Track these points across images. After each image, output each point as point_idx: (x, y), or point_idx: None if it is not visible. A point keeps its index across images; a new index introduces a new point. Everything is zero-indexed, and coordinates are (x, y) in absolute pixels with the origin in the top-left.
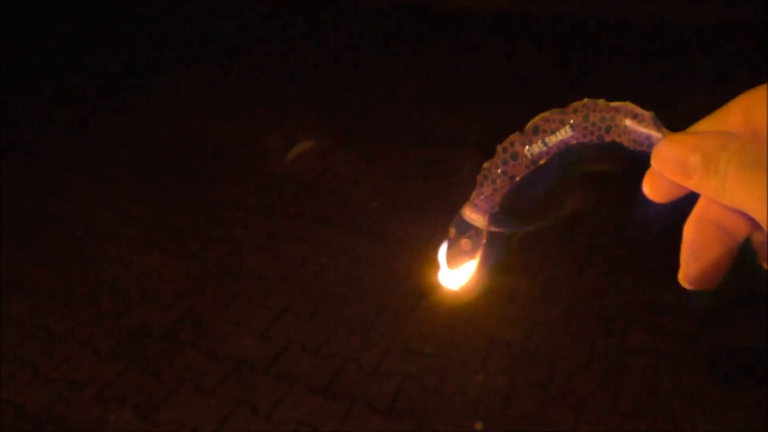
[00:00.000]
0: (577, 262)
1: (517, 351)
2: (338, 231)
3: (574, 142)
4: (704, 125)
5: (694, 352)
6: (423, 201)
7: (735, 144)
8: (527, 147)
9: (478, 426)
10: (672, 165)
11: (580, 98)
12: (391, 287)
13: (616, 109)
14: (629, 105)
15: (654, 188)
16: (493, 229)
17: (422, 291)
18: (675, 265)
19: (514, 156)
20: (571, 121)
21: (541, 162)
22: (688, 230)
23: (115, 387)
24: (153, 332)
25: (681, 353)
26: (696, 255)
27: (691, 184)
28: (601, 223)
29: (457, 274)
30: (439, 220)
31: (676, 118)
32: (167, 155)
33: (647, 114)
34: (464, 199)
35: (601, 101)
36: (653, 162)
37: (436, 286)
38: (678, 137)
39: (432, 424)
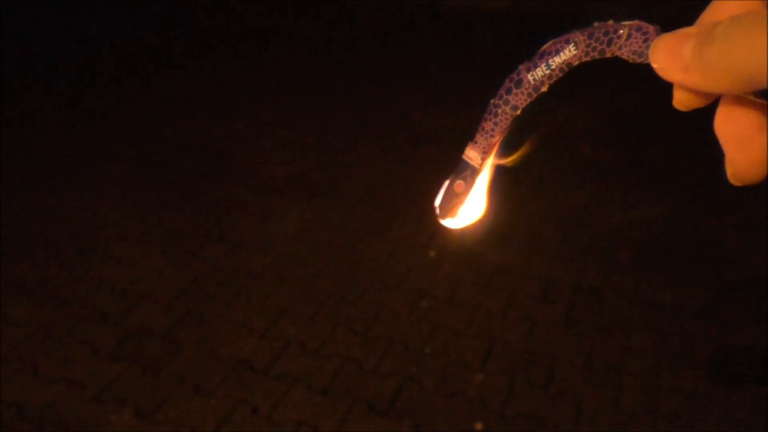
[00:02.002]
0: (576, 262)
1: (517, 351)
2: (338, 231)
3: (576, 61)
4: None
5: (694, 352)
6: (423, 201)
7: (726, 19)
8: (531, 73)
9: (478, 426)
10: (666, 55)
11: (580, 97)
12: (391, 287)
13: (621, 24)
14: (636, 21)
15: (678, 96)
16: (494, 164)
17: (422, 291)
18: (675, 266)
19: (519, 84)
20: (577, 39)
21: (544, 89)
22: (722, 126)
23: (115, 387)
24: (153, 332)
25: (681, 353)
26: (741, 146)
27: (690, 78)
28: (601, 223)
29: (452, 218)
30: (438, 221)
31: (677, 118)
32: (167, 155)
33: (651, 27)
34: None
35: (610, 21)
36: (652, 63)
37: (441, 229)
38: (671, 32)
39: (432, 424)
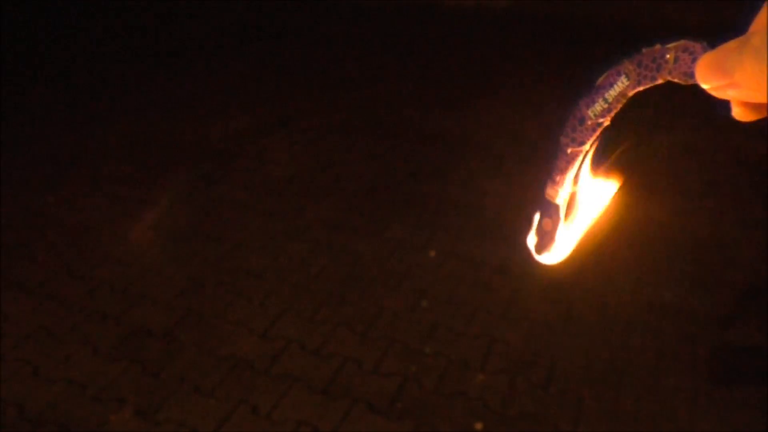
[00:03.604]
0: (577, 262)
1: (517, 351)
2: (338, 231)
3: (631, 91)
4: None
5: (694, 352)
6: (423, 201)
7: (763, 29)
8: (591, 109)
9: (478, 426)
10: (711, 73)
11: (581, 98)
12: (391, 287)
13: (667, 48)
14: (682, 41)
15: (735, 110)
16: (575, 200)
17: (422, 291)
18: (675, 266)
19: (581, 121)
20: (626, 71)
21: (606, 122)
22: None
23: (115, 387)
24: (153, 332)
25: (681, 353)
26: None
27: (733, 87)
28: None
29: (547, 254)
30: (439, 221)
31: (678, 116)
32: (167, 155)
33: (698, 45)
34: (463, 199)
35: (657, 45)
36: (696, 78)
37: (539, 264)
38: (713, 50)
39: (432, 424)
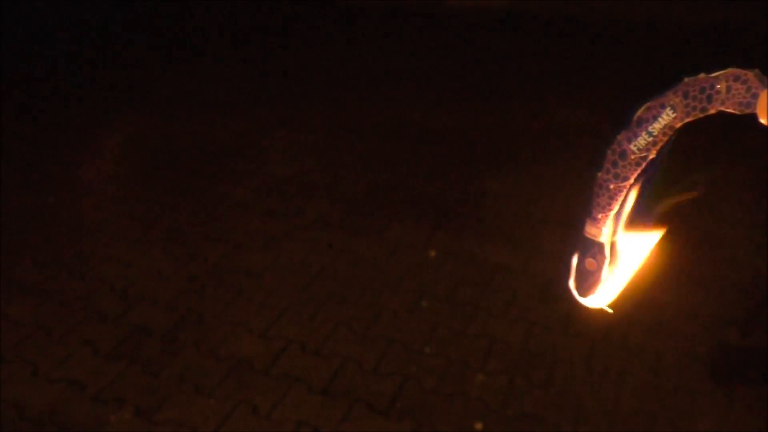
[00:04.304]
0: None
1: (517, 351)
2: (338, 231)
3: (678, 124)
4: None
5: (694, 352)
6: (423, 201)
7: None
8: (633, 142)
9: (478, 426)
10: None
11: (580, 97)
12: (391, 287)
13: (716, 78)
14: (730, 70)
15: None
16: (619, 238)
17: (422, 291)
18: (675, 266)
19: (623, 155)
20: (671, 103)
21: (651, 155)
22: None
23: (115, 387)
24: (153, 332)
25: (681, 353)
26: None
27: None
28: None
29: (593, 297)
30: (439, 221)
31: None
32: (168, 155)
33: (750, 73)
34: (463, 199)
35: (701, 75)
36: (760, 117)
37: (584, 308)
38: None
39: (432, 424)
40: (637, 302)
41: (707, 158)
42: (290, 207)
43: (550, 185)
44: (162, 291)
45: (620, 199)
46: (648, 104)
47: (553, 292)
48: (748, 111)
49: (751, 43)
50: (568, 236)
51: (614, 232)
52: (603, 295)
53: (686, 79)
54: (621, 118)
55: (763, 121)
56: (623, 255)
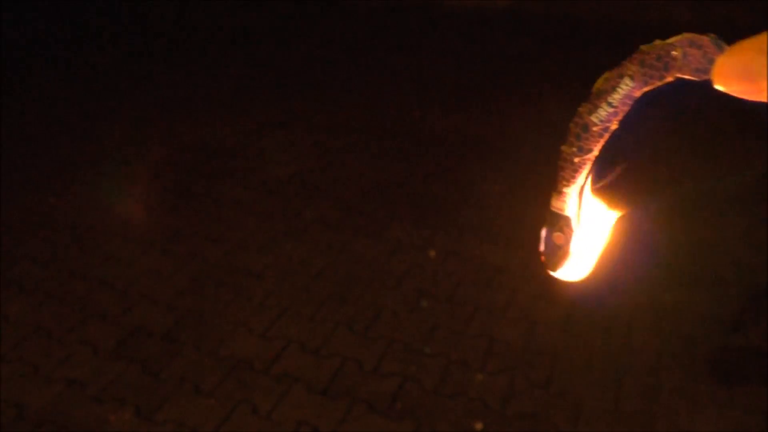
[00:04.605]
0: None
1: (517, 351)
2: (338, 231)
3: (638, 92)
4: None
5: (694, 352)
6: (423, 201)
7: None
8: (594, 114)
9: (478, 426)
10: (736, 79)
11: (580, 97)
12: (391, 287)
13: (672, 45)
14: (686, 35)
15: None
16: (586, 212)
17: (422, 291)
18: (675, 265)
19: (585, 128)
20: (629, 72)
21: (613, 126)
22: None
23: (115, 387)
24: (153, 332)
25: (681, 353)
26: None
27: (765, 95)
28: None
29: (563, 270)
30: (439, 221)
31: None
32: (167, 155)
33: (705, 38)
34: (463, 199)
35: (657, 42)
36: (715, 82)
37: (557, 281)
38: (735, 46)
39: (432, 424)
40: (637, 302)
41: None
42: (290, 207)
43: (550, 185)
44: (162, 291)
45: (585, 171)
46: (606, 75)
47: (553, 292)
48: (704, 77)
49: None
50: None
51: (580, 205)
52: (574, 268)
53: (642, 47)
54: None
55: (718, 87)
56: (590, 228)
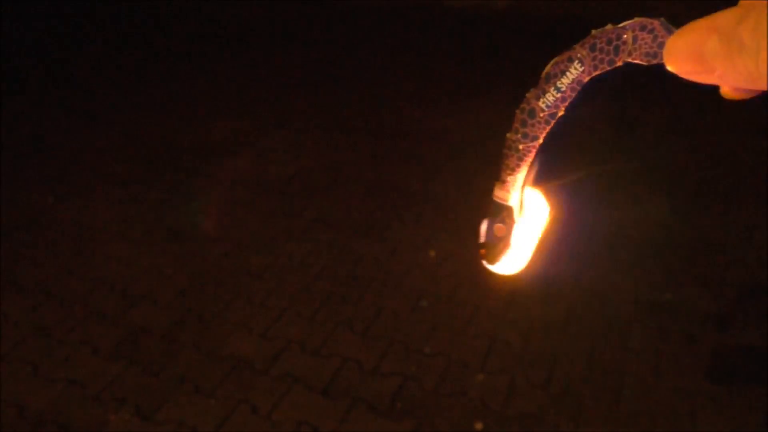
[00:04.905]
0: (576, 262)
1: (517, 351)
2: (338, 231)
3: (586, 78)
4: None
5: (694, 352)
6: (423, 201)
7: (757, 10)
8: (542, 99)
9: (478, 426)
10: (687, 60)
11: (580, 97)
12: (391, 287)
13: (622, 28)
14: (637, 19)
15: (724, 90)
16: (526, 200)
17: (422, 291)
18: (675, 266)
19: (532, 113)
20: (579, 56)
21: (560, 112)
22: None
23: (115, 387)
24: (153, 332)
25: (681, 353)
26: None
27: (717, 77)
28: (601, 223)
29: (502, 263)
30: (439, 221)
31: (678, 118)
32: (167, 155)
33: (656, 21)
34: (463, 199)
35: (609, 26)
36: (666, 63)
37: (492, 273)
38: (686, 26)
39: (432, 424)
40: (637, 302)
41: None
42: (290, 207)
43: (550, 185)
44: (162, 291)
45: (529, 160)
46: (555, 59)
47: (553, 292)
48: (654, 61)
49: None
50: (569, 236)
51: (523, 195)
52: (513, 260)
53: (593, 32)
54: (621, 118)
55: (669, 68)
56: (529, 218)
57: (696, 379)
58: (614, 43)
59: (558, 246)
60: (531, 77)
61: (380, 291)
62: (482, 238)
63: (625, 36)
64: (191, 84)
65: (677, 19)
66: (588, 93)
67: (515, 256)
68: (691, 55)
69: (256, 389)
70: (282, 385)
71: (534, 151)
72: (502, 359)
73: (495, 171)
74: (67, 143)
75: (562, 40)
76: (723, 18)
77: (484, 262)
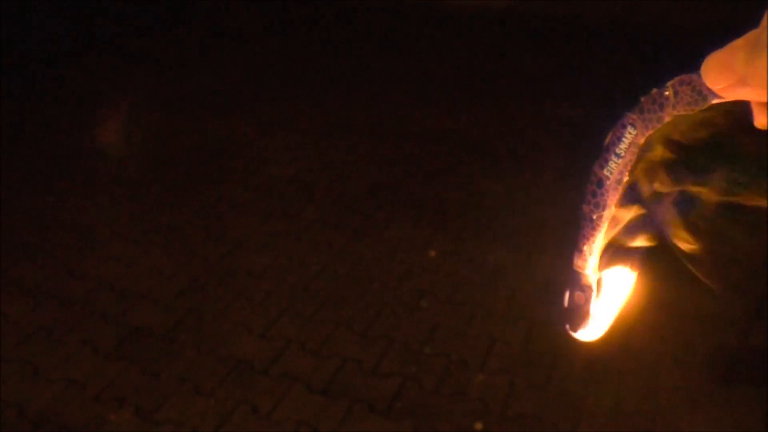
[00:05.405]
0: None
1: (517, 351)
2: (338, 231)
3: (641, 139)
4: None
5: (694, 352)
6: (423, 201)
7: None
8: (605, 168)
9: (478, 426)
10: (720, 73)
11: (581, 98)
12: (391, 287)
13: (664, 87)
14: (677, 78)
15: (759, 118)
16: (606, 270)
17: (422, 291)
18: (674, 265)
19: (600, 183)
20: (630, 121)
21: (625, 177)
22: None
23: (115, 387)
24: (153, 332)
25: (681, 353)
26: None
27: (752, 93)
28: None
29: (585, 330)
30: (439, 221)
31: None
32: (167, 155)
33: (693, 75)
34: (463, 199)
35: (654, 90)
36: (704, 78)
37: (578, 342)
38: (718, 51)
39: (432, 424)
40: (638, 302)
41: None
42: (290, 207)
43: (550, 185)
44: (162, 291)
45: (603, 228)
46: (612, 130)
47: (553, 292)
48: (698, 107)
49: None
50: (569, 236)
51: (600, 264)
52: (594, 328)
53: (642, 98)
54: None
55: (709, 86)
56: (608, 286)
57: (696, 379)
58: (658, 101)
59: (558, 246)
60: (531, 77)
61: (380, 291)
62: (565, 305)
63: (667, 93)
64: (191, 84)
65: (678, 21)
66: None
67: (594, 324)
68: (723, 66)
69: (256, 389)
70: (282, 385)
71: (607, 219)
72: (502, 359)
73: (571, 242)
74: (67, 143)
75: (563, 40)
76: (750, 33)
77: (567, 329)
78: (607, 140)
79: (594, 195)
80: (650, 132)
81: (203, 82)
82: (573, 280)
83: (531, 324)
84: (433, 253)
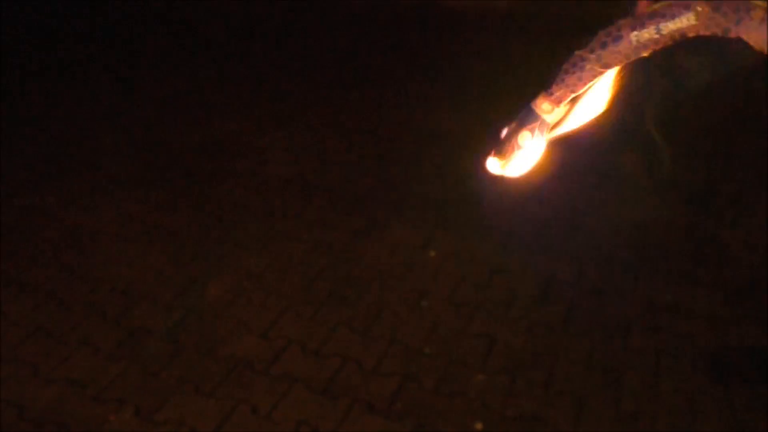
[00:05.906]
0: (577, 262)
1: (517, 351)
2: (338, 231)
3: (693, 33)
4: None
5: (694, 352)
6: (423, 201)
7: None
8: (635, 32)
9: (478, 426)
10: None
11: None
12: (391, 287)
13: (754, 3)
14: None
15: None
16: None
17: (422, 291)
18: (675, 266)
19: (617, 40)
20: (699, 9)
21: (645, 53)
22: None
23: (115, 387)
24: (153, 332)
25: (681, 353)
26: None
27: None
28: (601, 223)
29: (504, 164)
30: (439, 221)
31: (678, 119)
32: (167, 155)
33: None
34: (463, 199)
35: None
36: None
37: (484, 169)
38: None
39: (432, 424)
40: (637, 302)
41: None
42: (290, 207)
43: (550, 185)
44: (162, 291)
45: (588, 84)
46: (670, 2)
47: (553, 292)
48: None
49: None
50: (569, 236)
51: (563, 117)
52: (516, 169)
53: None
54: (620, 118)
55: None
56: (551, 137)
57: (696, 379)
58: (740, 14)
59: (558, 246)
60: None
61: (380, 291)
62: (502, 139)
63: (754, 12)
64: (191, 84)
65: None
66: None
67: (520, 166)
68: None
69: (256, 389)
70: (282, 385)
71: (597, 77)
72: (502, 359)
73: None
74: (67, 143)
75: (563, 40)
76: None
77: (493, 161)
78: (657, 7)
79: (603, 46)
80: (705, 33)
81: (203, 82)
82: (527, 117)
83: (531, 324)
84: (433, 253)
